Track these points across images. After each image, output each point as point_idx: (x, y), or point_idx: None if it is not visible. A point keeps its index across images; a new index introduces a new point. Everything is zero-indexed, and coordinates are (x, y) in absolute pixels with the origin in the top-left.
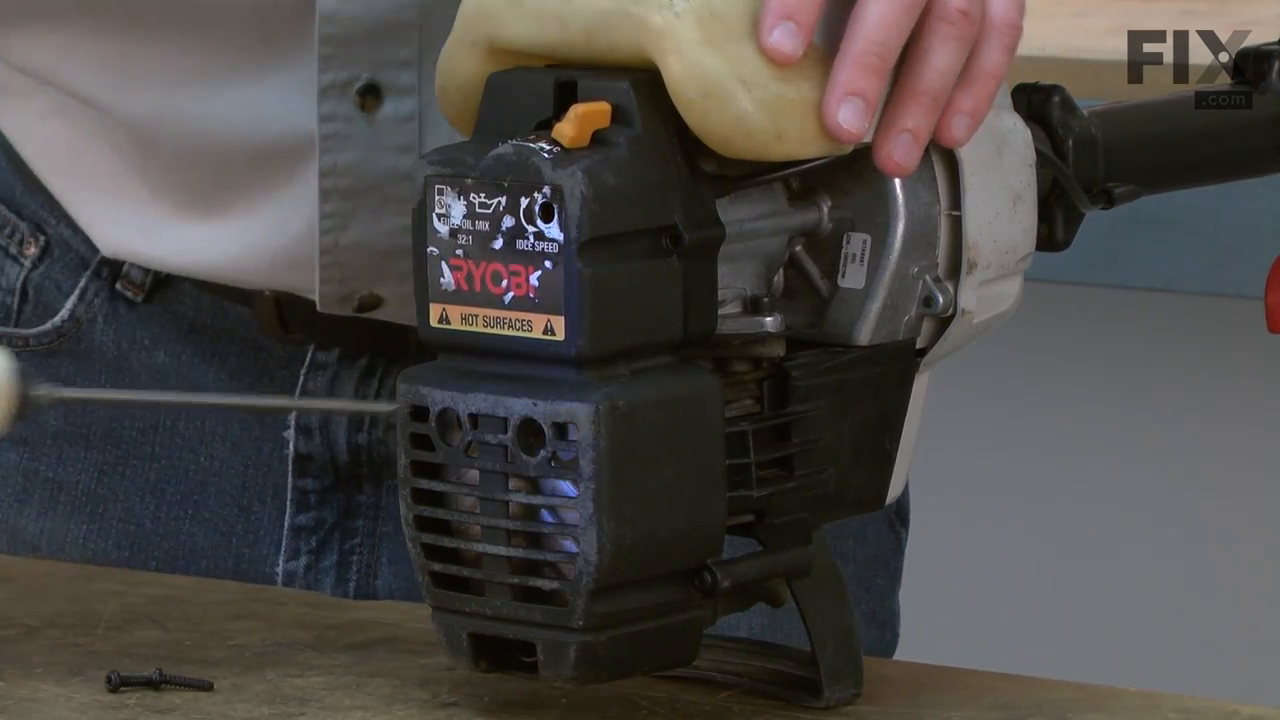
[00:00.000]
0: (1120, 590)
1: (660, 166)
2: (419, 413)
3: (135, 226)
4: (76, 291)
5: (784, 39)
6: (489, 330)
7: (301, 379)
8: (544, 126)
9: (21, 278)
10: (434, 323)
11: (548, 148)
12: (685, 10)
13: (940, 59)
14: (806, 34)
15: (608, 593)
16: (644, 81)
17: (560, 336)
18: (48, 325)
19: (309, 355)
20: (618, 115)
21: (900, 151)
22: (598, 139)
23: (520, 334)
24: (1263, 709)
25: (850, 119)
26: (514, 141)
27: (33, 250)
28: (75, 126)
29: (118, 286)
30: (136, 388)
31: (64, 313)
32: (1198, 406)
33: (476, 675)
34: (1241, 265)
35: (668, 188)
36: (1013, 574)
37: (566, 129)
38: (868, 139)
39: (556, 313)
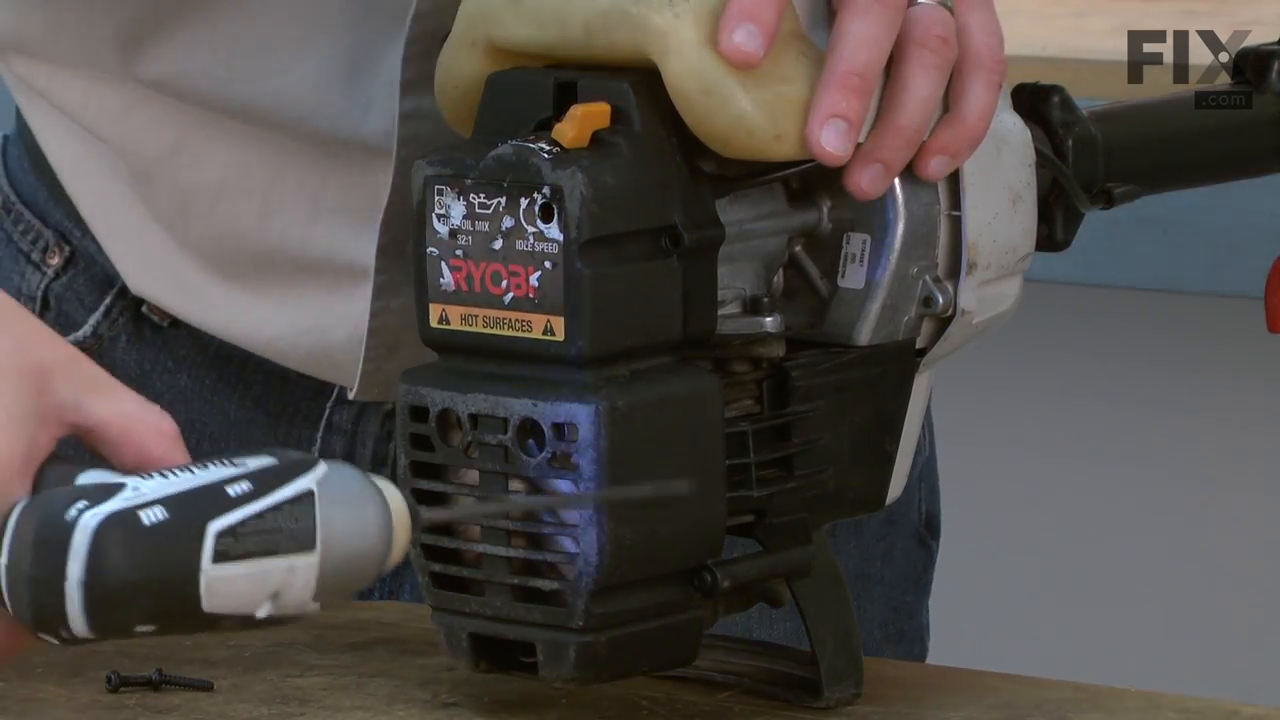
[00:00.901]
0: (1120, 590)
1: (660, 167)
2: (418, 413)
3: (166, 278)
4: (101, 309)
5: (746, 41)
6: (489, 331)
7: (327, 412)
8: (543, 127)
9: (43, 286)
10: (434, 323)
11: (547, 148)
12: (685, 10)
13: (921, 87)
14: (767, 36)
15: (608, 593)
16: (643, 82)
17: (560, 337)
18: (69, 339)
19: (336, 388)
20: (617, 115)
21: (868, 179)
22: (597, 139)
23: (520, 334)
24: (1263, 709)
25: (833, 141)
26: (513, 142)
27: (56, 260)
28: (109, 174)
29: (143, 310)
30: (160, 402)
31: (86, 329)
32: (1198, 406)
33: (476, 675)
34: (1241, 265)
35: (667, 188)
36: (1012, 574)
37: (567, 129)
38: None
39: (556, 313)
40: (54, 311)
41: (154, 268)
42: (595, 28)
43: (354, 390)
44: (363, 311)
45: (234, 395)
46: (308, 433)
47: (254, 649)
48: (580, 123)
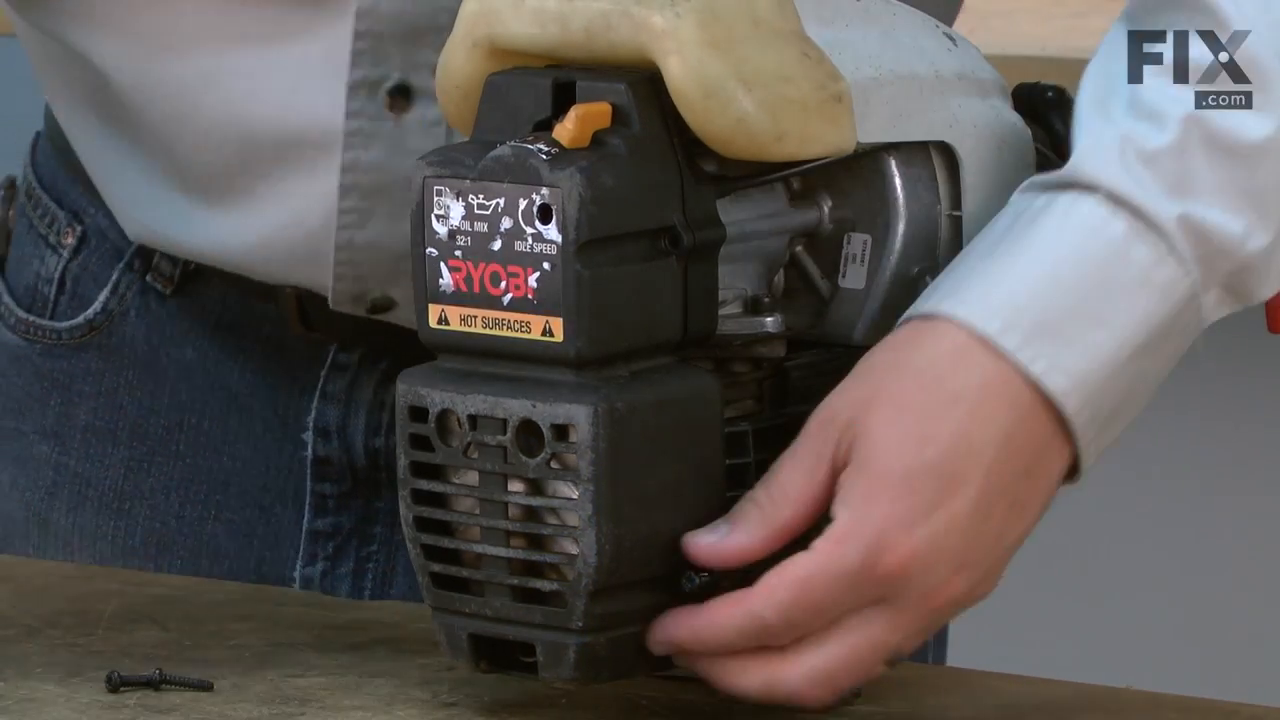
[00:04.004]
0: (1120, 590)
1: (659, 168)
2: (418, 413)
3: (161, 212)
4: (110, 283)
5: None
6: (488, 331)
7: (321, 380)
8: (543, 127)
9: (60, 268)
10: (433, 324)
11: (545, 149)
12: (686, 11)
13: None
14: None
15: (607, 594)
16: (642, 82)
17: (559, 338)
18: (80, 318)
19: (330, 356)
20: (616, 116)
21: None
22: (596, 140)
23: (519, 335)
24: (1263, 709)
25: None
26: (512, 143)
27: (70, 240)
28: (106, 113)
29: (148, 279)
30: (164, 383)
31: (97, 305)
32: (1198, 406)
33: (476, 675)
34: None
35: (666, 189)
36: (1012, 574)
37: (568, 130)
38: (874, 137)
39: (555, 314)
40: (69, 294)
41: (143, 199)
42: (596, 28)
43: (331, 295)
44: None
45: (235, 366)
46: (305, 402)
47: (254, 649)
48: (581, 123)
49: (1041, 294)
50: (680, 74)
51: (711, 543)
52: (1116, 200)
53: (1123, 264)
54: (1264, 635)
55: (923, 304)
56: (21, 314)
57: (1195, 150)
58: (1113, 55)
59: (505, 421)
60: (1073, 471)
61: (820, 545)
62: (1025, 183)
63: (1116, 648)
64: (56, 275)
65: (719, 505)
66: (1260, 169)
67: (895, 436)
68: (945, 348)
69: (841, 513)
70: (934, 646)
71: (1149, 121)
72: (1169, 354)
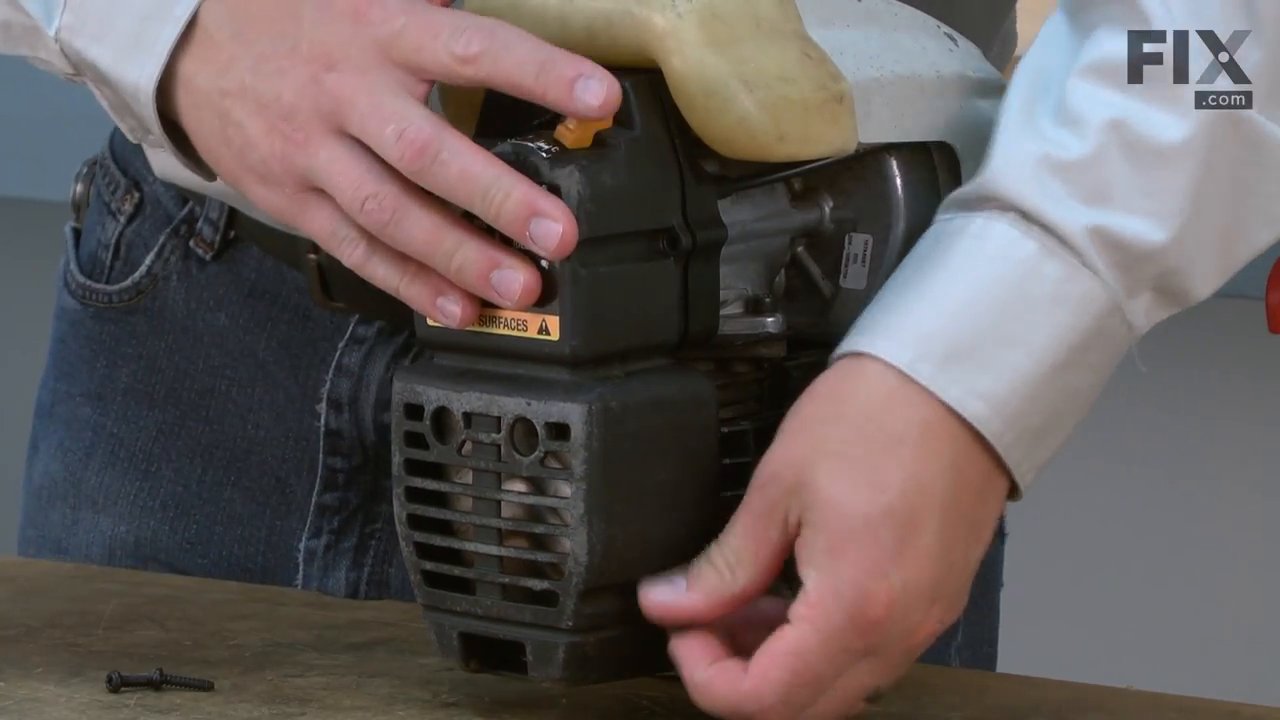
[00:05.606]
0: (1120, 590)
1: (658, 168)
2: (413, 410)
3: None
4: (156, 248)
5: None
6: (485, 329)
7: (339, 351)
8: (545, 127)
9: (117, 234)
10: (431, 321)
11: (546, 147)
12: (688, 11)
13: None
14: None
15: (598, 594)
16: (644, 83)
17: (554, 336)
18: (128, 281)
19: (350, 328)
20: (618, 116)
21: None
22: (598, 140)
23: (515, 333)
24: (1263, 709)
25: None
26: (512, 140)
27: (128, 206)
28: None
29: (191, 244)
30: (199, 349)
31: (143, 269)
32: (1198, 406)
33: (477, 675)
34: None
35: (666, 189)
36: (1012, 573)
37: (570, 130)
38: (876, 137)
39: (551, 312)
40: (122, 259)
41: None
42: (598, 28)
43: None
44: None
45: (263, 335)
46: (321, 374)
47: (254, 649)
48: (583, 123)
49: (954, 321)
50: (681, 74)
51: (666, 601)
52: (1028, 218)
53: (1035, 282)
54: (1264, 635)
55: (848, 342)
56: (81, 279)
57: (1114, 157)
58: (1048, 48)
59: (500, 419)
60: (1014, 489)
61: (802, 612)
62: (946, 199)
63: (1116, 648)
64: (113, 241)
65: (712, 508)
66: (1182, 170)
67: (847, 489)
68: (878, 391)
69: (811, 575)
70: (984, 655)
71: (1070, 129)
72: (1096, 365)
